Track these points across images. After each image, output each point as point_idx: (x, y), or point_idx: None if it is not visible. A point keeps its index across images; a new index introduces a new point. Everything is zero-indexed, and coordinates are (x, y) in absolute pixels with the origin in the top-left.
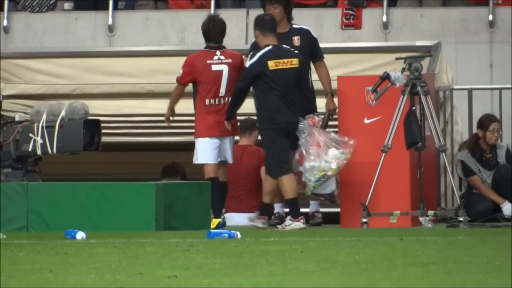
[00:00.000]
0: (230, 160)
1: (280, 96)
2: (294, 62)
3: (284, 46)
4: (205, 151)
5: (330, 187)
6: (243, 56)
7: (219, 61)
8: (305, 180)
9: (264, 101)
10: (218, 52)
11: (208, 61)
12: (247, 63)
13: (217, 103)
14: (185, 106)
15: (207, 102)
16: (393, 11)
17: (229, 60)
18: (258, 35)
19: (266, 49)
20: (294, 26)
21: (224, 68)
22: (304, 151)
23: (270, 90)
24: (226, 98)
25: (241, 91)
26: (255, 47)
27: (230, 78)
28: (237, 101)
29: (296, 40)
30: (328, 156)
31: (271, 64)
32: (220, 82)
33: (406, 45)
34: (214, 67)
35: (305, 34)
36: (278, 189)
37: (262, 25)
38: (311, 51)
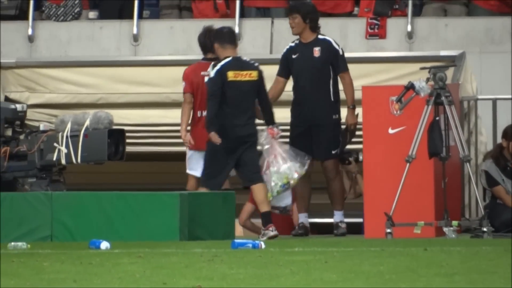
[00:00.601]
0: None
1: (235, 108)
2: (253, 74)
3: (244, 58)
4: (193, 163)
5: (286, 200)
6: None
7: None
8: (272, 184)
9: (219, 113)
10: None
11: (202, 73)
12: (210, 74)
13: None
14: None
15: (198, 114)
16: (418, 21)
17: None
18: (218, 47)
19: (226, 60)
20: (319, 36)
21: None
22: (268, 160)
23: (226, 101)
24: None
25: (214, 95)
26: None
27: None
28: (214, 109)
29: (317, 50)
30: (289, 166)
31: (231, 75)
32: None
33: (431, 55)
34: (207, 79)
35: (327, 45)
36: (302, 198)
37: (220, 37)
38: (332, 62)
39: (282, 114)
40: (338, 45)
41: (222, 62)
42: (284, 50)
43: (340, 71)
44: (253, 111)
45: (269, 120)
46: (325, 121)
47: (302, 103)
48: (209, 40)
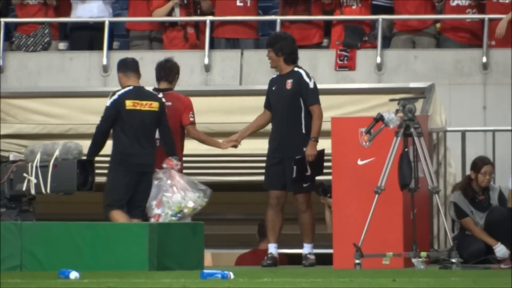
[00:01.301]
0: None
1: (133, 137)
2: (154, 105)
3: (147, 89)
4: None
5: None
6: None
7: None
8: (162, 213)
9: (117, 141)
10: (160, 94)
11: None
12: (108, 102)
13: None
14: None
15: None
16: (387, 53)
17: (169, 104)
18: (121, 76)
19: (127, 89)
20: (295, 68)
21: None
22: (160, 195)
23: (124, 130)
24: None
25: (102, 131)
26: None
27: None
28: (98, 141)
29: (289, 83)
30: (185, 195)
31: (129, 104)
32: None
33: (400, 86)
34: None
35: (297, 78)
36: (273, 228)
37: (123, 66)
38: (302, 95)
39: (260, 145)
40: (310, 78)
41: (121, 91)
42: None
43: (309, 104)
44: (154, 141)
45: (169, 152)
46: (297, 154)
47: (276, 135)
48: (163, 71)
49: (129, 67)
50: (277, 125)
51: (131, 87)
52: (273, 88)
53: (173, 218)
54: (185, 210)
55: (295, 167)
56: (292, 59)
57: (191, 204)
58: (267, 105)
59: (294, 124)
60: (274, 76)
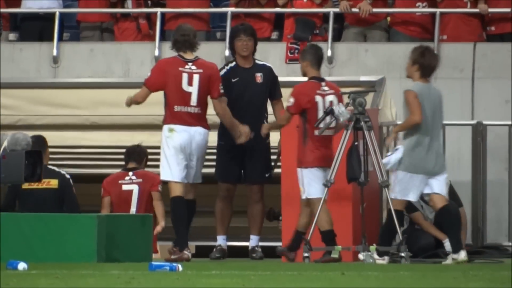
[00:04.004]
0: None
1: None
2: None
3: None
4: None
5: None
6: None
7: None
8: None
9: None
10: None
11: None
12: None
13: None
14: (127, 138)
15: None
16: (338, 46)
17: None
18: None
19: None
20: (257, 61)
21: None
22: None
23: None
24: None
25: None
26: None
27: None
28: None
29: (259, 76)
30: None
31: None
32: None
33: (351, 80)
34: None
35: (268, 72)
36: (221, 220)
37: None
38: (271, 88)
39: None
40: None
41: None
42: (223, 72)
43: (276, 97)
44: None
45: None
46: (261, 144)
47: None
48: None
49: None
50: (241, 117)
51: None
52: (234, 80)
53: None
54: None
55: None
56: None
57: None
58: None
59: (261, 116)
60: (227, 67)
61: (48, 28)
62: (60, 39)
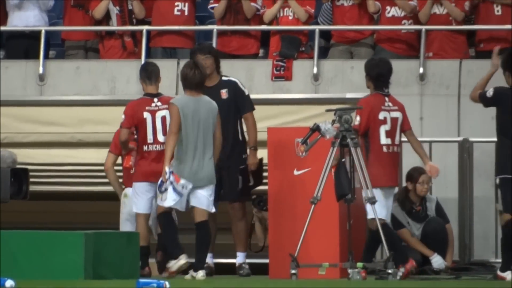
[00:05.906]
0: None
1: None
2: None
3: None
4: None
5: None
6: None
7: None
8: None
9: None
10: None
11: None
12: None
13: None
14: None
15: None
16: (324, 63)
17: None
18: None
19: None
20: (223, 78)
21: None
22: None
23: None
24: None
25: None
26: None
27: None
28: None
29: (224, 93)
30: None
31: None
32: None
33: (337, 97)
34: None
35: (233, 86)
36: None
37: None
38: (237, 103)
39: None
40: (244, 86)
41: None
42: None
43: (245, 112)
44: None
45: None
46: (236, 161)
47: None
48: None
49: None
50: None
51: None
52: None
53: None
54: None
55: (240, 177)
56: (219, 69)
57: None
58: None
59: (232, 132)
60: None
61: (34, 46)
62: (46, 57)
